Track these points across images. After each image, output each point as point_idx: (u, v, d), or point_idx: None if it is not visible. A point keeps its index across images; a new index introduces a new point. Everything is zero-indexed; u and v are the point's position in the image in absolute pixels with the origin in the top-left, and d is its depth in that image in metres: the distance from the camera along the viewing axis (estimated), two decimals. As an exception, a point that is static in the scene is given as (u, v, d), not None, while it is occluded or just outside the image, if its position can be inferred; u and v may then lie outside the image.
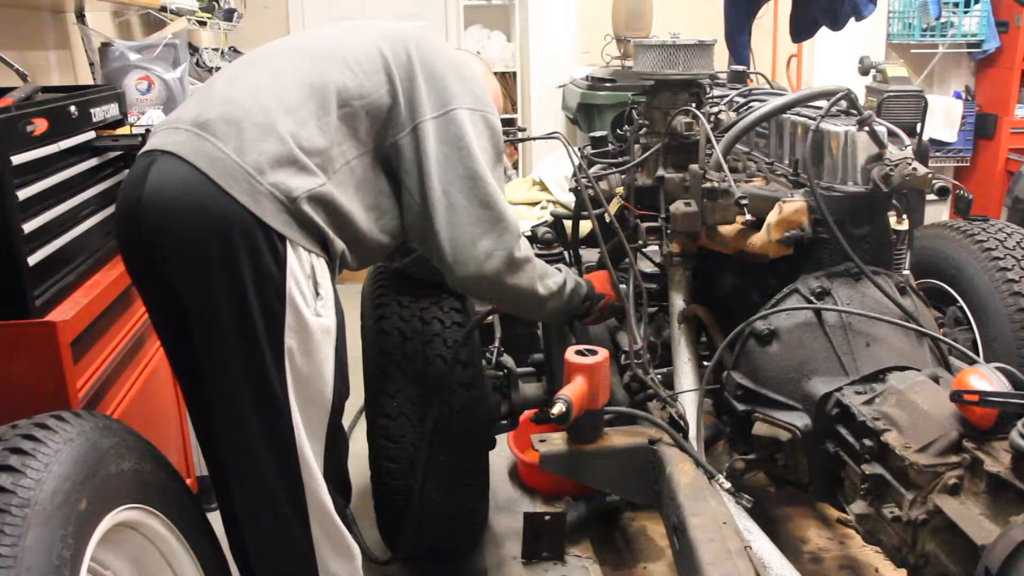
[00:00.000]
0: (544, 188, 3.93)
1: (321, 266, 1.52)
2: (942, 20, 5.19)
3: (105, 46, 2.79)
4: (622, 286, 2.07)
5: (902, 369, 1.65)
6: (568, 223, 2.63)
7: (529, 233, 3.37)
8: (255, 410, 1.49)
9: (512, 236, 1.68)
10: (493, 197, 1.65)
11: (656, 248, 2.19)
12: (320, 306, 1.51)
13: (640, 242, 2.14)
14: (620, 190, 2.32)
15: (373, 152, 1.65)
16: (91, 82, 2.88)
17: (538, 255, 1.98)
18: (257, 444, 1.51)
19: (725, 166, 1.86)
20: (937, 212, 5.11)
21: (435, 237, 1.65)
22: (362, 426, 2.18)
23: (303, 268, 1.47)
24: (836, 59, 5.02)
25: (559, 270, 1.89)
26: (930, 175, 1.71)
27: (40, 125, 1.64)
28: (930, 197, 1.90)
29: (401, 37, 1.70)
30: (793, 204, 1.80)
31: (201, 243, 1.42)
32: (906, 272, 1.93)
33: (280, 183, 1.44)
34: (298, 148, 1.47)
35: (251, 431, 1.50)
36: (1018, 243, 2.42)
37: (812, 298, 1.76)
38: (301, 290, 1.46)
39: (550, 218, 3.35)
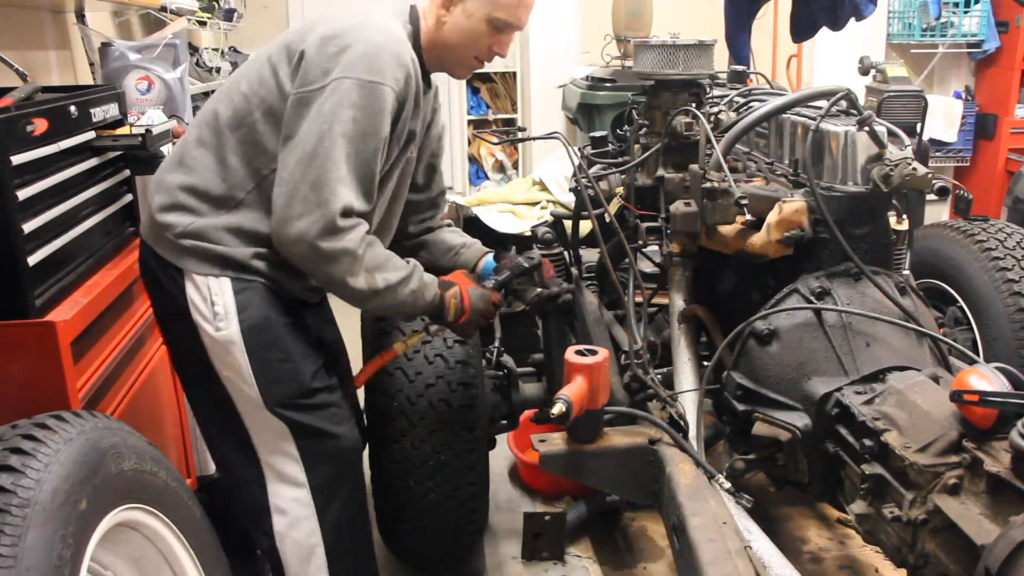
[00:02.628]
0: (544, 188, 3.92)
1: (218, 284, 1.66)
2: (942, 20, 5.19)
3: (105, 46, 2.78)
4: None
5: (902, 369, 1.65)
6: (568, 223, 2.63)
7: (529, 233, 3.39)
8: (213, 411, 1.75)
9: (322, 225, 1.57)
10: (325, 179, 1.57)
11: (656, 248, 2.19)
12: (218, 321, 1.66)
13: (640, 242, 2.14)
14: (620, 190, 2.32)
15: None
16: (91, 82, 2.88)
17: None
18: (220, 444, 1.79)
19: (725, 166, 1.86)
20: (937, 212, 5.11)
21: (273, 203, 1.63)
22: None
23: (200, 292, 1.66)
24: (836, 59, 5.02)
25: (408, 263, 1.72)
26: (930, 175, 1.71)
27: (40, 125, 1.64)
28: (930, 197, 1.91)
29: (317, 20, 1.68)
30: (793, 204, 1.80)
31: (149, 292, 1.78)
32: (906, 272, 1.93)
33: (168, 224, 1.67)
34: (185, 193, 1.68)
35: (212, 433, 1.81)
36: (1018, 243, 2.42)
37: (812, 298, 1.76)
38: (201, 312, 1.66)
39: (550, 218, 3.35)
